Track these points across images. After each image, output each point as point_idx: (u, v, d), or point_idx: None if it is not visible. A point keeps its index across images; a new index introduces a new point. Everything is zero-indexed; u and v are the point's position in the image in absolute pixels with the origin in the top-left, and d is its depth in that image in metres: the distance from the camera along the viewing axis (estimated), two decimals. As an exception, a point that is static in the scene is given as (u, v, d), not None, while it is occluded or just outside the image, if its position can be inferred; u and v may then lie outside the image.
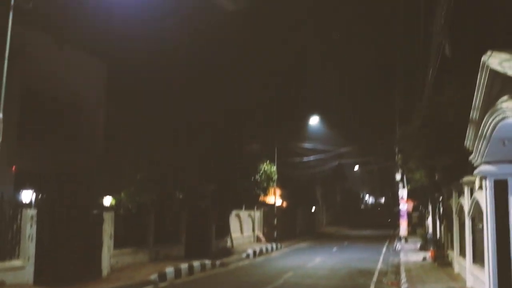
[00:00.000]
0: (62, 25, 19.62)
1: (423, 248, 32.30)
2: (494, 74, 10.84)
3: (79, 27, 21.27)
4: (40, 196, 20.02)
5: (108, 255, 20.17)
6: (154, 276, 19.15)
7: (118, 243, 21.36)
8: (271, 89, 45.84)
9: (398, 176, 36.82)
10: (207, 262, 23.92)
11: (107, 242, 20.29)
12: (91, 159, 24.79)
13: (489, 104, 11.58)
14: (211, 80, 33.39)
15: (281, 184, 44.51)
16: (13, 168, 19.95)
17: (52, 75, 22.75)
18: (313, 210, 65.42)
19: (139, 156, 24.45)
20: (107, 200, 21.43)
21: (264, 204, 42.86)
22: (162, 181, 24.26)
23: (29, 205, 17.04)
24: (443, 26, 11.96)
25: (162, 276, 19.52)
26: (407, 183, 36.22)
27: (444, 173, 22.95)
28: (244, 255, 30.20)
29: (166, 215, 25.88)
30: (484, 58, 10.92)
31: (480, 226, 15.49)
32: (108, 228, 20.40)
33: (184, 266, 21.63)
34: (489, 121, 11.69)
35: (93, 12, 20.27)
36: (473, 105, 12.77)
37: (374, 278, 21.48)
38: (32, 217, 16.31)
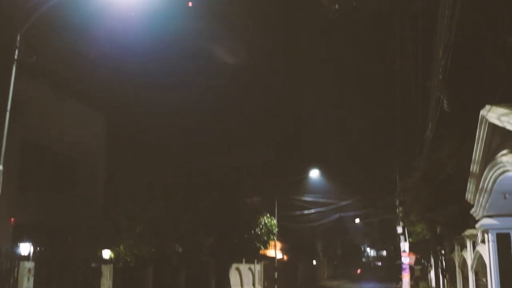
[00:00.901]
0: (63, 77, 19.84)
1: (426, 302, 31.76)
2: (493, 128, 10.91)
3: (80, 80, 21.52)
4: (38, 249, 19.79)
5: (105, 310, 19.85)
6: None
7: (116, 297, 21.04)
8: (272, 143, 46.06)
9: (399, 229, 36.42)
10: (206, 317, 23.53)
11: (105, 296, 20.00)
12: (90, 211, 24.63)
13: (489, 157, 11.62)
14: (211, 134, 33.62)
15: (282, 237, 44.13)
16: (12, 220, 19.81)
17: (53, 127, 22.85)
18: (314, 263, 64.66)
19: (139, 209, 24.30)
20: (106, 253, 21.19)
21: (264, 257, 42.39)
22: (161, 234, 24.07)
23: (26, 258, 16.83)
24: (440, 82, 12.13)
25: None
26: (409, 236, 35.87)
27: (446, 227, 22.79)
28: (244, 309, 29.71)
29: (165, 268, 25.56)
30: (482, 112, 11.00)
31: (484, 280, 15.29)
32: (106, 282, 20.12)
33: (182, 321, 21.26)
34: (490, 175, 11.70)
35: (95, 64, 20.53)
36: (472, 159, 12.80)
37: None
38: (29, 270, 16.09)
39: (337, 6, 11.90)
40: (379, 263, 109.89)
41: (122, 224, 22.69)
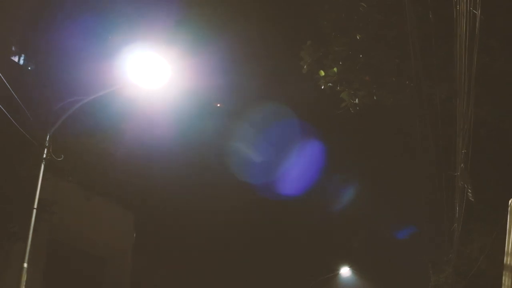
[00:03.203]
0: (91, 175, 20.09)
1: None
2: (523, 217, 10.64)
3: (108, 178, 21.73)
4: None
5: None
6: None
7: None
8: (301, 242, 45.33)
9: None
10: None
11: None
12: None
13: (522, 249, 11.23)
14: (238, 232, 33.33)
15: None
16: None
17: (80, 226, 22.93)
18: None
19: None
20: None
21: None
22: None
23: None
24: (463, 171, 12.02)
25: None
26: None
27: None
28: None
29: None
30: (511, 202, 10.79)
31: None
32: None
33: None
34: (524, 267, 11.26)
35: (122, 163, 20.81)
36: (505, 251, 12.37)
37: None
38: None
39: (357, 100, 12.10)
40: None
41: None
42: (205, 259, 30.17)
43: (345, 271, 45.79)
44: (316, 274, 44.49)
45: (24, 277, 13.74)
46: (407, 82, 12.66)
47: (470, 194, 12.50)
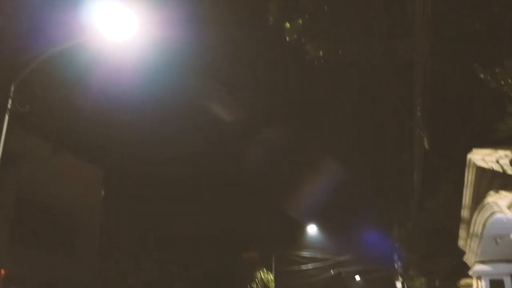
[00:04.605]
0: (59, 130, 19.90)
1: None
2: (481, 172, 10.94)
3: (76, 133, 21.55)
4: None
5: None
6: None
7: None
8: (269, 198, 45.84)
9: (398, 285, 35.88)
10: None
11: None
12: (84, 269, 24.32)
13: (478, 201, 11.58)
14: (209, 189, 33.54)
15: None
16: (2, 272, 19.52)
17: (48, 181, 22.78)
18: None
19: (131, 262, 24.02)
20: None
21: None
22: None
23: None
24: (420, 119, 12.26)
25: None
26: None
27: (444, 278, 22.44)
28: None
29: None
30: (469, 155, 11.07)
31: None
32: None
33: None
34: (479, 219, 11.64)
35: (90, 118, 20.61)
36: (463, 204, 12.75)
37: None
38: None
39: (321, 53, 12.14)
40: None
41: (115, 278, 22.39)
42: (174, 210, 30.29)
43: (311, 229, 46.74)
44: (283, 232, 45.29)
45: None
46: (375, 38, 12.73)
47: (426, 143, 12.77)
